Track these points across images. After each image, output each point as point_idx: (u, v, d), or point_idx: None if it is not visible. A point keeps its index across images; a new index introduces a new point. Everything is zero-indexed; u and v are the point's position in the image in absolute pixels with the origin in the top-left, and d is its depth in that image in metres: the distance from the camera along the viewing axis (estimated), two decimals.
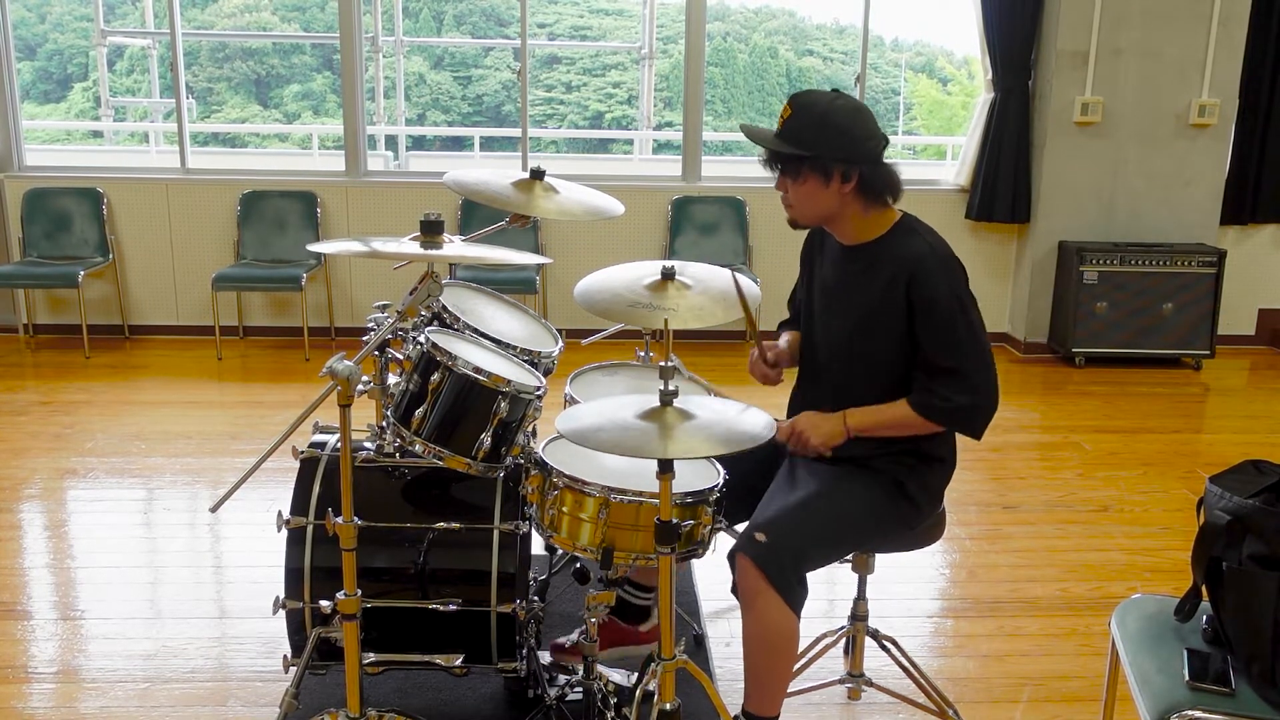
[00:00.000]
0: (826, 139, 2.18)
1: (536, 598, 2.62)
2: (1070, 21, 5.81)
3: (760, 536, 2.14)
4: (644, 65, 12.27)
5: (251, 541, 3.60)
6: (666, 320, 2.03)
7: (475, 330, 2.59)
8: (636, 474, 2.28)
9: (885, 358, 2.25)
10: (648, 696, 2.12)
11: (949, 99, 20.66)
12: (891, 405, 2.25)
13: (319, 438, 2.54)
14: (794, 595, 2.12)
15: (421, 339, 2.32)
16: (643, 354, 3.00)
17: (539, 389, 2.41)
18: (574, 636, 2.66)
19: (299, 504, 2.39)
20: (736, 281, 2.25)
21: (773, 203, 2.33)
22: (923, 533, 2.39)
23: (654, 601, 2.66)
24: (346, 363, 1.97)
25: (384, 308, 2.48)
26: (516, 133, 7.00)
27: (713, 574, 3.30)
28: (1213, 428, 5.15)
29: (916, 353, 2.23)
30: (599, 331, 3.21)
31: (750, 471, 2.39)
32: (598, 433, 1.88)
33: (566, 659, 2.64)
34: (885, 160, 2.24)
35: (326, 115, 20.61)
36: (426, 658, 2.39)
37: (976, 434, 2.27)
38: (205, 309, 6.09)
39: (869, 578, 2.52)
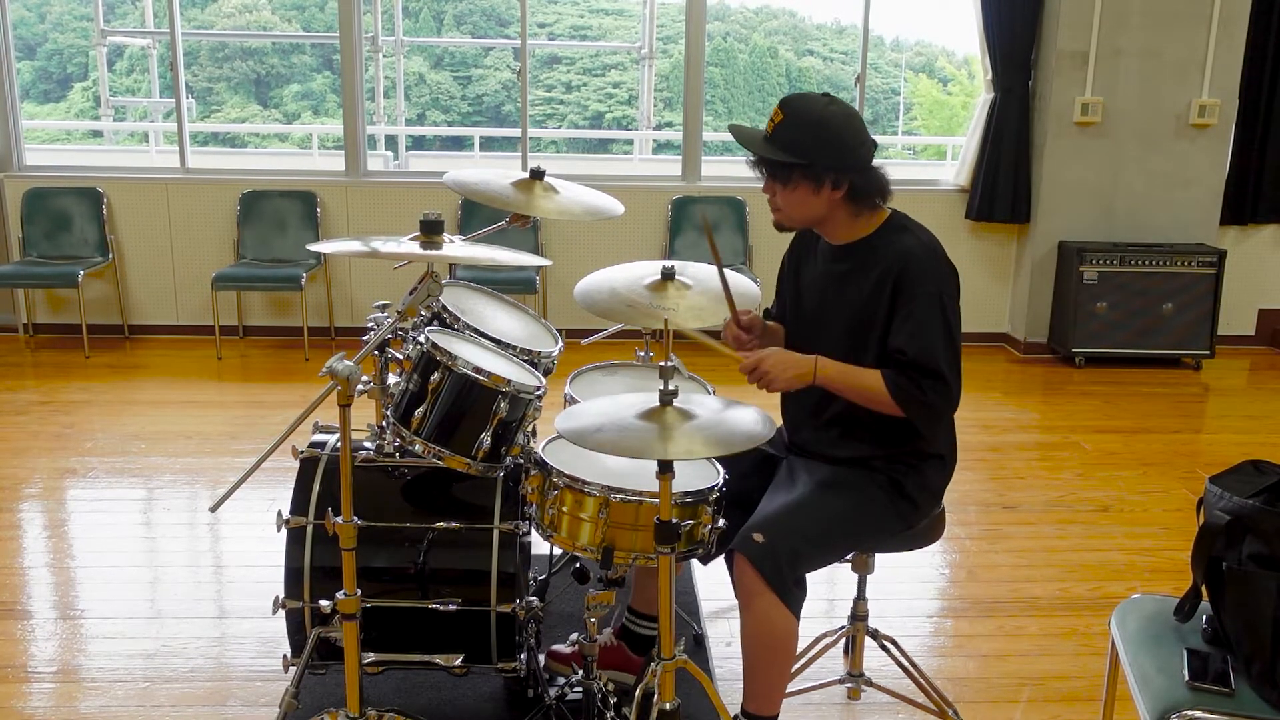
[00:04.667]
0: (819, 147, 2.17)
1: (536, 597, 2.62)
2: (1070, 21, 5.81)
3: (758, 537, 2.13)
4: (644, 65, 12.27)
5: (251, 541, 3.60)
6: (666, 320, 2.03)
7: (475, 330, 2.59)
8: (636, 474, 2.28)
9: (878, 355, 2.25)
10: (648, 696, 2.12)
11: (949, 99, 20.68)
12: (866, 371, 2.21)
13: (319, 437, 2.54)
14: (791, 595, 2.12)
15: (421, 339, 2.32)
16: (643, 354, 3.00)
17: (539, 389, 2.41)
18: (572, 645, 2.67)
19: (299, 504, 2.39)
20: (722, 275, 2.25)
21: None
22: (922, 532, 2.39)
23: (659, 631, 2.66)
24: (346, 363, 1.97)
25: (384, 307, 2.48)
26: (516, 133, 7.00)
27: (713, 574, 3.30)
28: (1213, 428, 5.15)
29: (891, 344, 2.20)
30: (599, 331, 3.21)
31: (749, 473, 2.39)
32: (597, 433, 1.88)
33: (560, 668, 2.64)
34: (874, 165, 2.24)
35: (326, 115, 20.62)
36: (426, 657, 2.39)
37: (929, 430, 2.25)
38: (205, 309, 6.09)
39: (869, 578, 2.52)
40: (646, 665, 2.41)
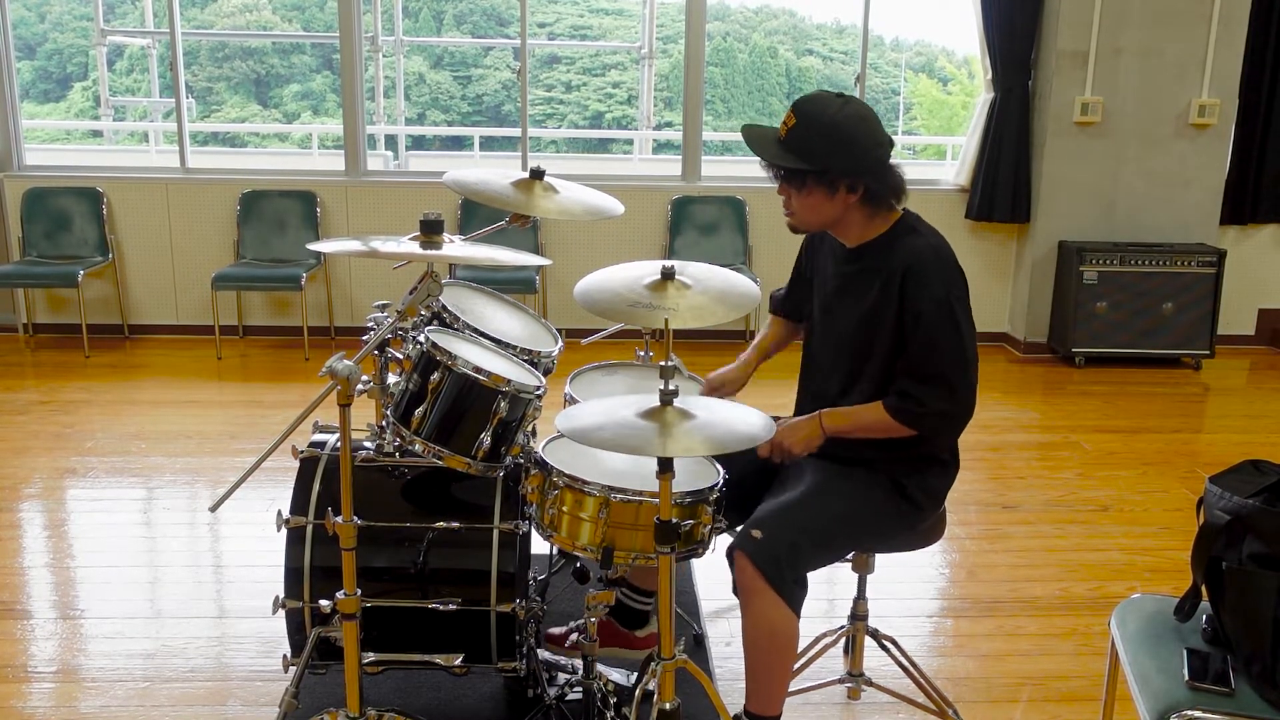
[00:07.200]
0: (833, 152, 2.15)
1: (537, 597, 2.62)
2: (1070, 21, 5.81)
3: (757, 534, 2.13)
4: (644, 65, 12.26)
5: (251, 541, 3.60)
6: (667, 320, 2.03)
7: (475, 330, 2.59)
8: (636, 474, 2.28)
9: (887, 356, 2.25)
10: (648, 696, 2.12)
11: (949, 99, 20.68)
12: (867, 407, 2.24)
13: (319, 437, 2.54)
14: (791, 593, 2.12)
15: (421, 338, 2.32)
16: (643, 354, 3.00)
17: (539, 389, 2.40)
18: (572, 635, 2.66)
19: (299, 503, 2.39)
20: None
21: (773, 203, 2.32)
22: (922, 533, 2.39)
23: (653, 608, 2.65)
24: (346, 362, 1.97)
25: (384, 307, 2.47)
26: (516, 132, 7.00)
27: (713, 574, 3.30)
28: (1213, 428, 5.15)
29: (902, 352, 2.22)
30: (599, 331, 3.21)
31: (749, 472, 2.39)
32: (597, 431, 1.88)
33: (560, 650, 2.64)
34: (890, 165, 2.22)
35: (326, 115, 20.62)
36: (426, 657, 2.39)
37: (947, 441, 2.28)
38: (205, 309, 6.09)
39: (869, 577, 2.52)
40: (647, 664, 2.41)
